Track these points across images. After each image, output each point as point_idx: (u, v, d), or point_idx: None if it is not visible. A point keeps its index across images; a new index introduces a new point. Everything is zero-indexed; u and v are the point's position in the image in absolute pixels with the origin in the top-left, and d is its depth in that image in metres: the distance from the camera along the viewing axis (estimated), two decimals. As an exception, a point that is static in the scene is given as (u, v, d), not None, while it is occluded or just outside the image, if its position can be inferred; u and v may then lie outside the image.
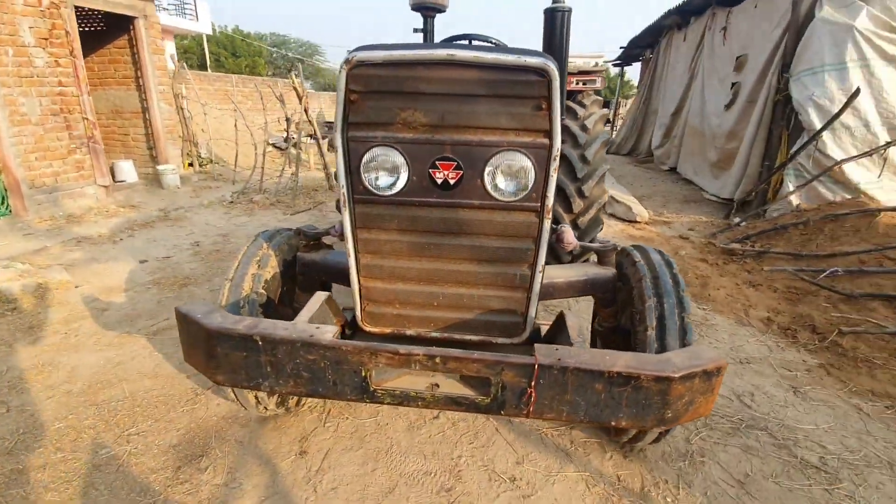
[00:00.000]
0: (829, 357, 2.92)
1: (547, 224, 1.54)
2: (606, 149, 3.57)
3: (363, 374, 1.34)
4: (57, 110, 5.59)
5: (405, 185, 1.54)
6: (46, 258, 4.20)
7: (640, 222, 5.90)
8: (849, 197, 5.10)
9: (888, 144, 4.98)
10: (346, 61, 1.42)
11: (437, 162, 1.50)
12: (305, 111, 6.66)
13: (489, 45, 2.18)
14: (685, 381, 1.25)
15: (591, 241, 2.85)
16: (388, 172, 1.54)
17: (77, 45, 5.50)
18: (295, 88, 6.61)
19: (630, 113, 13.76)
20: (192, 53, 37.79)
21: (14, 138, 5.29)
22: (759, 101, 6.33)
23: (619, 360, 1.28)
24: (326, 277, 2.13)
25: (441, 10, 2.66)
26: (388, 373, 1.48)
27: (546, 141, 1.46)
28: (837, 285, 3.65)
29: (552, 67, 1.37)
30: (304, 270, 2.11)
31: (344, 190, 1.56)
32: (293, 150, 8.97)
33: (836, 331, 3.07)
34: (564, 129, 3.52)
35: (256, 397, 1.97)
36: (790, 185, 5.51)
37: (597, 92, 3.84)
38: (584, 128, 3.48)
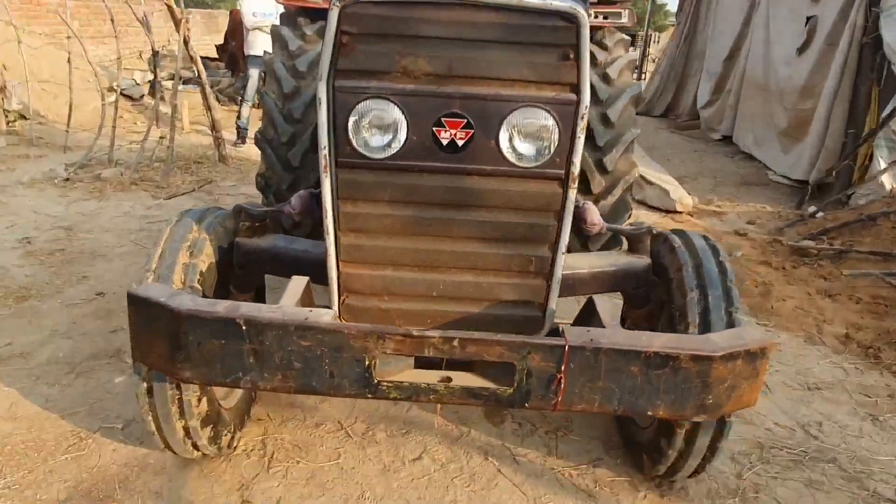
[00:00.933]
0: (918, 380, 3.63)
1: (572, 195, 2.04)
2: (637, 105, 4.17)
3: (367, 363, 1.78)
4: None
5: (403, 145, 1.99)
6: None
7: (680, 212, 6.63)
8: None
9: None
10: (337, -3, 1.88)
11: (442, 119, 1.97)
12: (185, 42, 6.98)
13: None
14: (727, 362, 1.78)
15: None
16: (381, 131, 1.99)
17: None
18: (168, 5, 6.92)
19: (665, 56, 14.82)
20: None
21: None
22: (840, 43, 7.26)
23: (657, 340, 1.79)
24: (274, 270, 2.56)
25: None
26: (390, 365, 1.92)
27: (573, 96, 1.95)
28: (933, 292, 4.43)
29: (582, 12, 1.87)
30: (245, 262, 2.53)
31: (325, 152, 2.00)
32: (163, 103, 9.21)
33: (927, 347, 3.79)
34: (579, 79, 4.11)
35: (186, 430, 2.36)
36: (881, 162, 6.40)
37: (623, 29, 4.47)
38: (605, 78, 4.09)
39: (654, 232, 2.64)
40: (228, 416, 2.62)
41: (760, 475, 2.77)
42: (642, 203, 7.09)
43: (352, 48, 1.91)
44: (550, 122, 1.98)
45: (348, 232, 2.10)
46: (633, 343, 1.75)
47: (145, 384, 2.23)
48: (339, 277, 2.14)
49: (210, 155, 7.90)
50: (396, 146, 2.00)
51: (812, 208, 6.61)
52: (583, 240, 3.48)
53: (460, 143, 1.99)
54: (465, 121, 1.97)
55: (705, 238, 2.60)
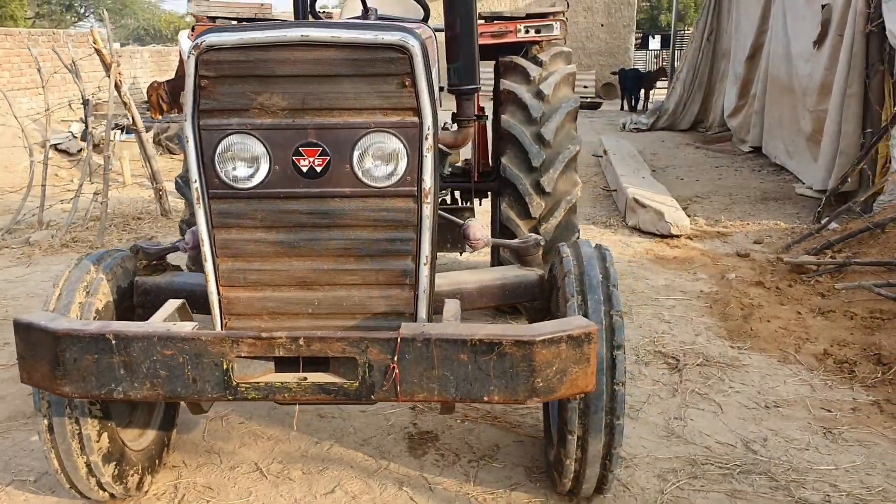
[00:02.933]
0: (889, 392, 4.16)
1: (427, 210, 2.67)
2: (575, 119, 4.85)
3: (224, 366, 2.38)
4: None
5: (266, 175, 2.65)
6: None
7: (677, 236, 7.25)
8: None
9: None
10: (195, 46, 2.56)
11: (300, 148, 2.63)
12: (117, 87, 7.86)
13: (348, 21, 3.43)
14: (549, 346, 2.34)
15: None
16: (246, 163, 2.65)
17: None
18: (97, 49, 7.82)
19: (685, 60, 15.64)
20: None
21: None
22: (846, 33, 7.95)
23: (483, 329, 2.37)
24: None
25: None
26: (252, 369, 2.52)
27: (415, 119, 2.59)
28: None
29: (412, 44, 2.54)
30: (145, 300, 3.19)
31: (197, 185, 2.67)
32: (96, 155, 10.10)
33: (900, 357, 4.33)
34: (511, 98, 4.83)
35: (89, 467, 2.98)
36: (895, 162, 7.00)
37: (561, 42, 5.20)
38: (538, 95, 4.80)
39: (541, 244, 3.27)
40: (136, 458, 3.24)
41: (683, 489, 3.32)
42: (636, 229, 7.73)
43: (211, 90, 2.60)
44: (397, 144, 2.64)
45: (225, 258, 2.76)
46: (460, 332, 2.35)
47: (45, 420, 2.88)
48: (220, 302, 2.79)
49: (152, 209, 8.71)
50: (261, 176, 2.67)
51: (825, 219, 7.18)
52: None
53: (318, 169, 2.66)
54: (321, 149, 2.64)
55: (598, 247, 3.23)
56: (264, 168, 2.67)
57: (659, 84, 21.90)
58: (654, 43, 37.71)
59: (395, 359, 2.33)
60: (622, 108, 21.70)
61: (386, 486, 3.37)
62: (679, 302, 5.65)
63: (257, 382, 2.43)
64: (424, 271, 2.75)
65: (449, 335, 2.35)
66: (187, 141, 2.66)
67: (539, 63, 4.98)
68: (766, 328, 5.06)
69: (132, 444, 3.26)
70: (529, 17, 5.02)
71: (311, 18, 4.75)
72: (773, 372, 4.46)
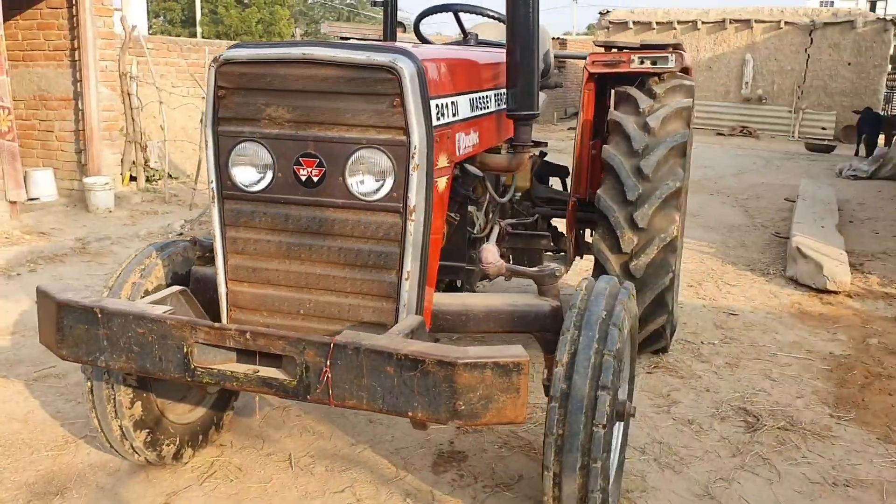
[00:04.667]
0: None
1: (412, 227, 2.74)
2: (683, 155, 4.65)
3: (185, 350, 2.60)
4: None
5: (271, 181, 2.87)
6: (-74, 289, 6.20)
7: (833, 292, 6.66)
8: None
9: None
10: (215, 59, 2.83)
11: (300, 158, 2.83)
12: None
13: (350, 41, 3.55)
14: (472, 371, 2.30)
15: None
16: (255, 168, 2.89)
17: None
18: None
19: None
20: (176, 2, 44.78)
21: None
22: None
23: (412, 345, 2.40)
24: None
25: None
26: (215, 357, 2.72)
27: (404, 138, 2.69)
28: None
29: (402, 65, 2.64)
30: (198, 287, 3.52)
31: (213, 185, 2.95)
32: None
33: None
34: (616, 129, 4.75)
35: (122, 430, 3.34)
36: None
37: (684, 71, 4.99)
38: (645, 127, 4.67)
39: (556, 274, 3.21)
40: (175, 429, 3.57)
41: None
42: (792, 280, 7.18)
43: (228, 100, 2.87)
44: (386, 160, 2.75)
45: (234, 254, 3.01)
46: (388, 345, 2.40)
47: (88, 383, 3.27)
48: (227, 294, 3.04)
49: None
50: (266, 181, 2.90)
51: None
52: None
53: (315, 179, 2.83)
54: (318, 160, 2.81)
55: (615, 281, 3.13)
56: (269, 174, 2.89)
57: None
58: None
59: (328, 363, 2.43)
60: (856, 153, 19.97)
61: (392, 495, 3.46)
62: (798, 361, 5.20)
63: (212, 369, 2.62)
64: (406, 286, 2.82)
65: (379, 347, 2.42)
66: (207, 145, 2.94)
67: (653, 95, 4.83)
68: (880, 401, 4.55)
69: (177, 417, 3.59)
70: (645, 47, 4.90)
71: (414, 37, 4.96)
72: (864, 448, 4.01)
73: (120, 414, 3.29)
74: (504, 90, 3.66)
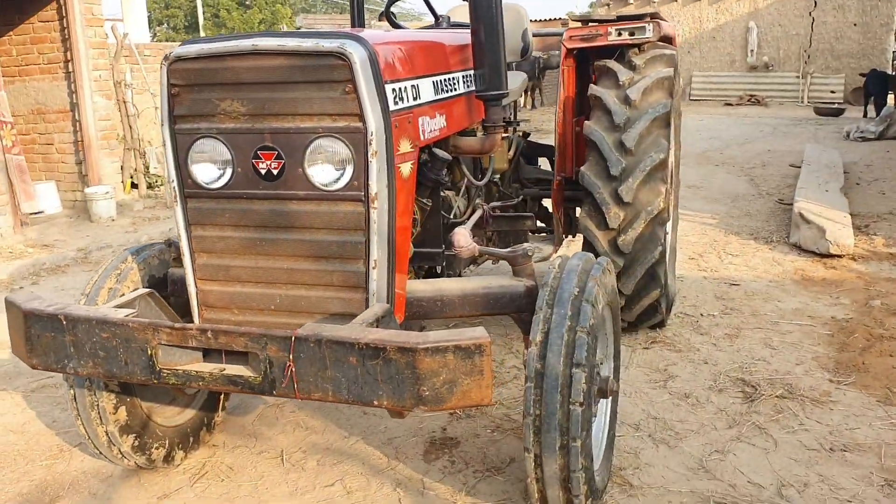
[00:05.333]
0: None
1: (375, 214, 2.70)
2: (667, 125, 4.57)
3: (149, 352, 2.57)
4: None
5: (231, 177, 2.83)
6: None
7: (838, 256, 6.56)
8: None
9: None
10: (165, 57, 2.80)
11: (259, 152, 2.79)
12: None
13: (297, 31, 3.51)
14: (434, 355, 2.26)
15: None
16: (214, 165, 2.85)
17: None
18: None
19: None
20: (178, 9, 44.82)
21: None
22: None
23: (373, 334, 2.36)
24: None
25: None
26: (181, 358, 2.70)
27: (360, 125, 2.65)
28: None
29: (351, 50, 2.60)
30: (175, 289, 3.50)
31: (174, 185, 2.92)
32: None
33: None
34: (597, 103, 4.67)
35: (108, 434, 3.33)
36: None
37: (665, 40, 4.90)
38: (625, 100, 4.60)
39: (529, 254, 3.16)
40: (164, 432, 3.56)
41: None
42: (796, 246, 7.08)
43: (182, 97, 2.84)
44: (344, 149, 2.71)
45: (201, 253, 2.98)
46: (349, 336, 2.36)
47: (71, 390, 3.26)
48: (197, 294, 3.02)
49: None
50: (226, 178, 2.87)
51: None
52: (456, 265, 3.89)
53: (275, 172, 2.79)
54: (276, 152, 2.78)
55: (589, 257, 3.07)
56: (229, 170, 2.86)
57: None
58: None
59: (291, 357, 2.40)
60: (865, 115, 19.68)
61: (383, 486, 3.43)
62: (799, 328, 5.12)
63: (178, 370, 2.60)
64: (374, 275, 2.79)
65: (340, 338, 2.38)
66: (165, 144, 2.91)
67: (633, 67, 4.75)
68: (881, 363, 4.47)
69: (165, 420, 3.58)
70: (621, 19, 4.81)
71: (386, 22, 4.91)
72: (863, 412, 3.94)
73: (105, 420, 3.27)
74: (471, 71, 3.61)
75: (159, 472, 3.61)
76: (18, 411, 4.37)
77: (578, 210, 5.45)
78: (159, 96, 2.89)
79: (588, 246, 4.66)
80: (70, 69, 9.63)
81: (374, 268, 2.78)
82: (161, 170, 10.51)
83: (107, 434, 3.32)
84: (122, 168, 10.20)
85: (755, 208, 9.07)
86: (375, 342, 2.33)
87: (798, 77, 25.37)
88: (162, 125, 2.90)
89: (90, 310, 2.76)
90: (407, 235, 3.03)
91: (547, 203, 5.37)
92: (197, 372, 2.59)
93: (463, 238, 3.21)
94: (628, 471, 3.46)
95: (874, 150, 13.00)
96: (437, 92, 3.27)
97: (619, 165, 4.47)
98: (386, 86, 2.75)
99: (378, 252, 2.78)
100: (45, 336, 2.71)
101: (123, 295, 3.28)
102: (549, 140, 5.60)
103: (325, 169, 2.76)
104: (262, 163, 2.80)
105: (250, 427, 4.05)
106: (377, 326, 2.62)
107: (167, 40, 40.37)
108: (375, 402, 2.39)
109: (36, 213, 9.39)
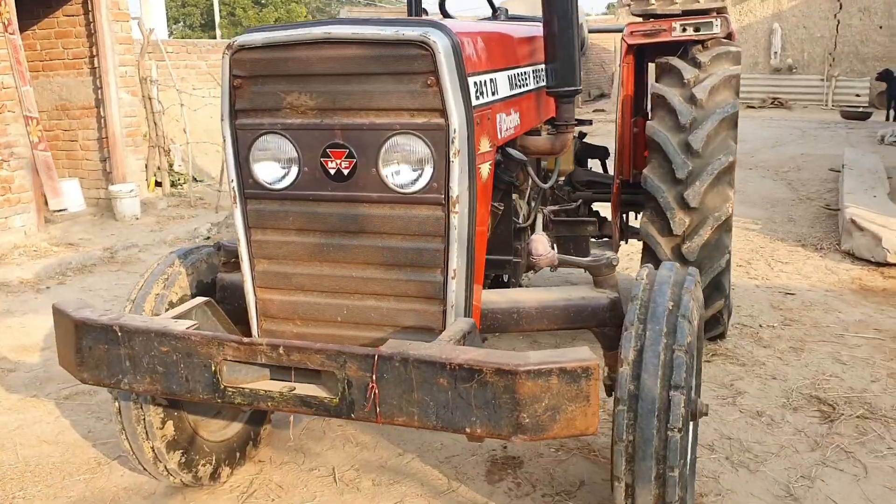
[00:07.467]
0: None
1: (456, 219, 2.46)
2: (735, 126, 4.32)
3: (213, 368, 2.35)
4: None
5: (297, 177, 2.60)
6: (-48, 307, 6.05)
7: (892, 265, 6.29)
8: None
9: None
10: (228, 46, 2.57)
11: (328, 150, 2.56)
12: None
13: (374, 19, 3.28)
14: (536, 379, 2.04)
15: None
16: (278, 163, 2.62)
17: (13, 15, 7.76)
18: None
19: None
20: (195, 6, 44.88)
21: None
22: None
23: (466, 353, 2.12)
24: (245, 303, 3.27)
25: None
26: (246, 375, 2.48)
27: (442, 121, 2.42)
28: None
29: (434, 39, 2.36)
30: (224, 296, 3.27)
31: (234, 185, 2.69)
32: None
33: None
34: (660, 102, 4.42)
35: (154, 450, 3.10)
36: None
37: (727, 37, 4.65)
38: (691, 99, 4.35)
39: (614, 263, 2.91)
40: (211, 448, 3.33)
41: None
42: (849, 254, 6.81)
43: (245, 90, 2.61)
44: (423, 147, 2.48)
45: (261, 259, 2.75)
46: (440, 355, 2.13)
47: (115, 403, 3.04)
48: (256, 303, 2.79)
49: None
50: (291, 177, 2.64)
51: None
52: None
53: (345, 172, 2.56)
54: (348, 150, 2.54)
55: (676, 266, 2.83)
56: (294, 169, 2.64)
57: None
58: (952, 47, 33.22)
59: (374, 377, 2.17)
60: (887, 119, 19.34)
61: (450, 508, 3.20)
62: (868, 342, 4.86)
63: (243, 388, 2.37)
64: (453, 285, 2.56)
65: (428, 357, 2.15)
66: (225, 141, 2.68)
67: (697, 65, 4.50)
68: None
69: (211, 435, 3.36)
70: (686, 13, 4.56)
71: (441, 17, 4.67)
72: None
73: (151, 435, 3.06)
74: (542, 66, 3.37)
75: (205, 489, 3.39)
76: (52, 420, 4.16)
77: (634, 215, 5.22)
78: (220, 89, 2.66)
79: (649, 253, 4.42)
80: (95, 64, 9.44)
81: (452, 277, 2.55)
82: (185, 168, 10.31)
83: (153, 450, 3.11)
84: (146, 166, 10.00)
85: (797, 213, 8.79)
86: (470, 363, 2.09)
87: (822, 80, 24.97)
88: (222, 120, 2.68)
89: (148, 321, 2.54)
90: (484, 242, 2.80)
91: (599, 207, 5.12)
92: (266, 391, 2.36)
93: (542, 246, 2.97)
94: (710, 497, 3.22)
95: (912, 155, 12.69)
96: (511, 87, 3.04)
97: (685, 168, 4.22)
98: (468, 79, 2.52)
99: (457, 260, 2.54)
100: (97, 348, 2.49)
101: (173, 302, 3.07)
102: (596, 140, 5.37)
103: (401, 169, 2.53)
104: (332, 161, 2.57)
105: (296, 441, 3.82)
106: (463, 344, 2.38)
107: (182, 37, 40.35)
108: (467, 430, 2.15)
109: (60, 211, 9.19)
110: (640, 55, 5.01)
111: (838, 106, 23.46)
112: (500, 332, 2.99)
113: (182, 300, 3.13)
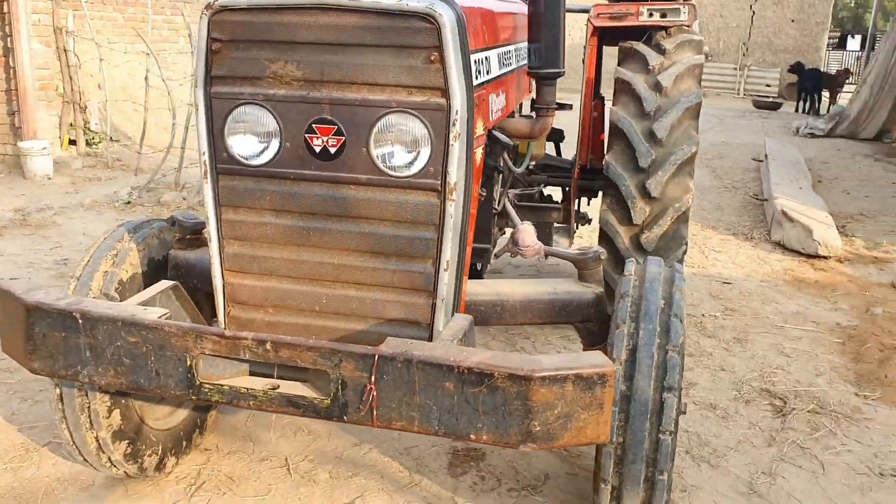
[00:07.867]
0: None
1: (452, 207, 2.31)
2: (697, 116, 4.28)
3: (188, 363, 2.16)
4: None
5: (277, 152, 2.39)
6: None
7: (824, 257, 6.45)
8: None
9: None
10: (208, 6, 2.33)
11: (314, 125, 2.36)
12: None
13: None
14: (551, 385, 1.94)
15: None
16: (256, 137, 2.40)
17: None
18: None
19: (874, 62, 14.15)
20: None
21: None
22: None
23: (475, 355, 2.00)
24: (204, 285, 3.04)
25: None
26: (223, 370, 2.29)
27: (443, 101, 2.25)
28: None
29: (441, 12, 2.19)
30: (178, 274, 3.03)
31: (205, 158, 2.46)
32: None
33: None
34: (624, 88, 4.33)
35: (98, 440, 2.86)
36: None
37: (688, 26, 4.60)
38: (656, 86, 4.26)
39: (601, 257, 2.82)
40: (157, 437, 3.10)
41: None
42: (779, 245, 6.96)
43: (224, 55, 2.37)
44: (420, 128, 2.30)
45: (232, 240, 2.53)
46: (448, 357, 1.99)
47: (57, 390, 2.77)
48: (224, 287, 2.57)
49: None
50: (271, 153, 2.42)
51: None
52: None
53: (332, 150, 2.36)
54: (336, 127, 2.34)
55: (670, 266, 2.76)
56: (275, 144, 2.42)
57: (847, 88, 20.05)
58: (854, 43, 34.57)
59: (373, 378, 2.01)
60: (797, 111, 20.08)
61: (407, 509, 3.07)
62: (807, 334, 4.96)
63: (221, 385, 2.18)
64: (445, 277, 2.40)
65: (435, 359, 2.00)
66: (196, 109, 2.44)
67: (662, 51, 4.42)
68: (904, 377, 4.33)
69: (156, 423, 3.12)
70: (654, -1, 4.48)
71: None
72: (902, 432, 3.77)
73: (96, 425, 2.81)
74: (523, 45, 3.23)
75: (148, 480, 3.17)
76: (-32, 402, 3.82)
77: (586, 201, 5.15)
78: (195, 52, 2.41)
79: (607, 241, 4.35)
80: (4, 9, 8.76)
81: (445, 269, 2.39)
82: (102, 126, 9.72)
83: (97, 440, 2.86)
84: (59, 123, 9.38)
85: (724, 202, 8.96)
86: (480, 366, 1.96)
87: (736, 69, 25.68)
88: (195, 86, 2.43)
89: (113, 307, 2.30)
90: (472, 231, 2.65)
91: (552, 191, 5.03)
92: (247, 389, 2.16)
93: (529, 236, 2.85)
94: (675, 492, 3.18)
95: (825, 148, 13.15)
96: (500, 66, 2.89)
97: (648, 157, 4.15)
98: (471, 56, 2.35)
99: (450, 251, 2.39)
100: (52, 336, 2.24)
101: (123, 280, 2.82)
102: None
103: (394, 150, 2.35)
104: (318, 138, 2.37)
105: (244, 428, 3.62)
106: (464, 343, 2.24)
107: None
108: (472, 437, 2.02)
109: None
110: (601, 38, 4.91)
111: (749, 95, 24.18)
112: (482, 326, 2.85)
113: (133, 279, 2.89)
